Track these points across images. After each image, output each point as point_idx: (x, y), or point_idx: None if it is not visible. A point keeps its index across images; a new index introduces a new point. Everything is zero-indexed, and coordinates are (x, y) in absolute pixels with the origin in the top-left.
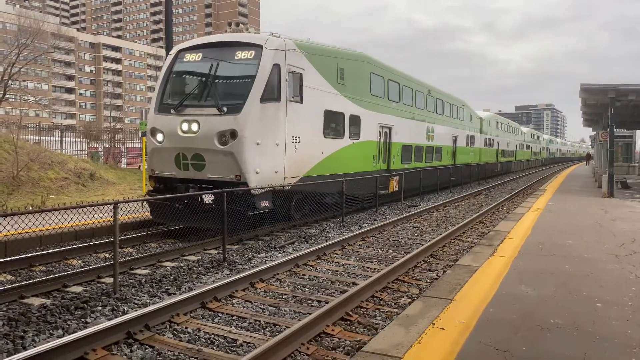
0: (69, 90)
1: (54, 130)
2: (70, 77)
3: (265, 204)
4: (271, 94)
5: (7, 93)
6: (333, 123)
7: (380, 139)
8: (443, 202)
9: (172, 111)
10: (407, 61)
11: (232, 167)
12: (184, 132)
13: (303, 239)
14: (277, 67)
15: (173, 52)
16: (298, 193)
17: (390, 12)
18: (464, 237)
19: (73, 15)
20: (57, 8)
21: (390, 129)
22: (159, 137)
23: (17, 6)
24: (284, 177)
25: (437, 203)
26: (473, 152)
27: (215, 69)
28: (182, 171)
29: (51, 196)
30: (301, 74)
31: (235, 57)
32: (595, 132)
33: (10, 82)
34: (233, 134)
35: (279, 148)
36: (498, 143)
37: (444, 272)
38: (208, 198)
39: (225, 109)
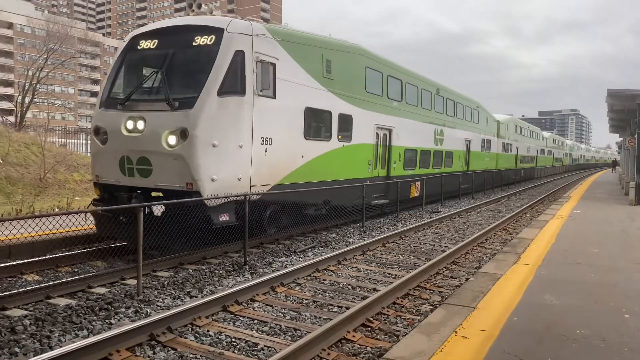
0: (95, 94)
1: (80, 133)
2: (95, 81)
3: (225, 217)
4: (232, 87)
5: (35, 97)
6: (317, 123)
7: (378, 141)
8: (465, 208)
9: (118, 106)
10: (429, 65)
11: (182, 173)
12: (128, 131)
13: (323, 244)
14: (240, 54)
15: (127, 38)
16: (272, 204)
17: (411, 15)
18: (486, 244)
19: (99, 20)
20: (84, 13)
21: (390, 130)
22: (103, 137)
23: (46, 12)
24: (250, 185)
25: (459, 209)
26: (489, 158)
27: (171, 57)
28: (127, 177)
29: (76, 198)
30: (274, 64)
31: (194, 44)
32: (621, 139)
33: (38, 85)
34: (183, 134)
35: (243, 151)
36: (517, 148)
37: (467, 279)
38: (158, 210)
39: (176, 103)
